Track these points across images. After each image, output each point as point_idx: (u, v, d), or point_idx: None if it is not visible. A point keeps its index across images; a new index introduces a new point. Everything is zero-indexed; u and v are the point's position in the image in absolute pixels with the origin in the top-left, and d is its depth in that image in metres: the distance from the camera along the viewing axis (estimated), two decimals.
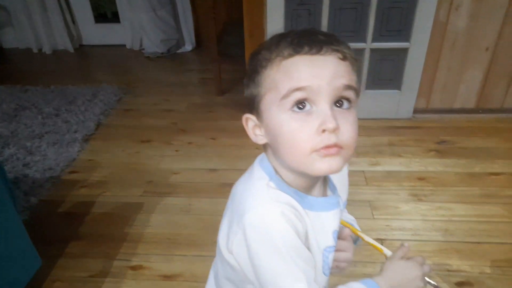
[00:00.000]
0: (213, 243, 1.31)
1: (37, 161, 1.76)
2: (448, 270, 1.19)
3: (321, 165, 0.45)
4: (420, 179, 1.59)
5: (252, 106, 0.51)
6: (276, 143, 0.48)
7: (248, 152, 1.79)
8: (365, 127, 1.98)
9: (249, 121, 0.52)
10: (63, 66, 3.12)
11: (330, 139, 0.44)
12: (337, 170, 0.46)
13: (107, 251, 1.32)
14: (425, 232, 1.33)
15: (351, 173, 1.68)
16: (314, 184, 0.53)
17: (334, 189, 0.58)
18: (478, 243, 1.28)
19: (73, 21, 3.38)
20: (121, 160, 1.83)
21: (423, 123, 2.00)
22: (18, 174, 1.68)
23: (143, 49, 3.27)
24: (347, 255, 0.59)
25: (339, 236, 0.58)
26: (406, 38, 1.88)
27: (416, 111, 2.04)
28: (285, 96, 0.45)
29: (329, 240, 0.53)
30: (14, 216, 1.11)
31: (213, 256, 1.26)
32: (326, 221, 0.53)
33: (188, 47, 3.31)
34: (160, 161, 1.81)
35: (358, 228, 0.66)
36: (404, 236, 1.32)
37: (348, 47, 0.48)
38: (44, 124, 2.09)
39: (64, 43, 3.32)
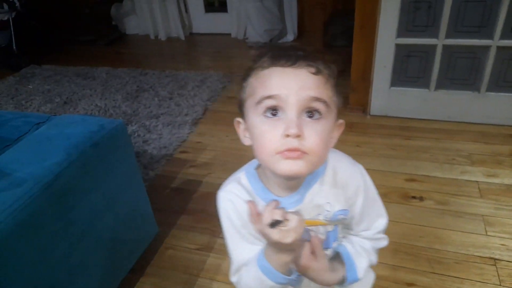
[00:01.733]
0: None
1: (154, 139, 1.98)
2: None
3: (282, 166, 0.49)
4: None
5: (240, 110, 0.57)
6: (253, 143, 0.54)
7: (348, 148, 1.76)
8: (482, 132, 1.80)
9: (240, 125, 0.59)
10: (175, 52, 3.40)
11: (292, 143, 0.48)
12: (298, 173, 0.50)
13: (212, 228, 1.43)
14: None
15: (463, 183, 1.56)
16: (290, 187, 0.58)
17: (305, 192, 0.59)
18: None
19: (186, 10, 3.65)
20: (225, 145, 1.95)
21: None
22: (139, 150, 1.90)
23: (247, 38, 3.40)
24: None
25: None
26: None
27: None
28: (259, 102, 0.51)
29: None
30: (141, 185, 1.27)
31: None
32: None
33: (290, 37, 3.34)
34: None
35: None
36: None
37: (326, 65, 0.52)
38: (160, 106, 2.32)
39: (177, 31, 3.61)
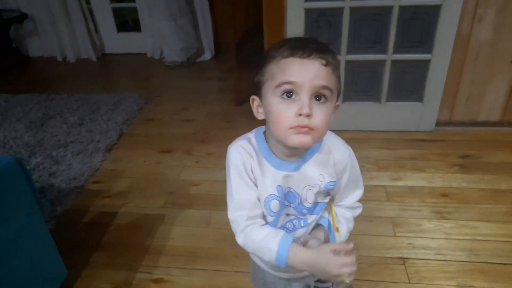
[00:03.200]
0: (233, 257, 1.33)
1: (62, 171, 1.81)
2: None
3: (294, 139, 0.61)
4: (444, 195, 1.56)
5: (257, 89, 0.67)
6: (268, 118, 0.65)
7: None
8: (386, 139, 1.96)
9: (255, 101, 0.69)
10: (86, 75, 3.20)
11: (303, 121, 0.59)
12: (305, 145, 0.62)
13: (130, 262, 1.34)
14: (449, 252, 1.30)
15: (372, 188, 1.67)
16: (290, 154, 0.69)
17: (302, 163, 0.70)
18: (505, 264, 1.25)
19: (96, 30, 3.47)
20: (143, 170, 1.86)
21: (446, 136, 1.97)
22: (45, 184, 1.72)
23: (163, 57, 3.33)
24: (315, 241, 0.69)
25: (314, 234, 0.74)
26: (428, 50, 1.85)
27: (438, 123, 2.01)
28: (278, 86, 0.61)
29: (272, 190, 0.69)
30: (43, 227, 1.15)
31: (233, 271, 1.28)
32: (275, 176, 0.69)
33: (208, 55, 3.36)
34: (180, 171, 1.84)
35: (340, 228, 0.77)
36: (427, 255, 1.30)
37: (333, 57, 0.62)
38: (69, 133, 2.15)
39: (87, 52, 3.42)
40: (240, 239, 0.69)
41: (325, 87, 0.60)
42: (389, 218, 1.46)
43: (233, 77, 2.48)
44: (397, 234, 1.39)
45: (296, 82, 0.59)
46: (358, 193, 0.77)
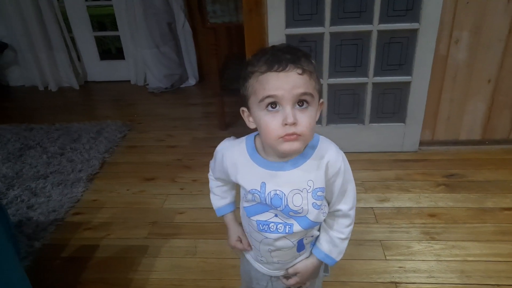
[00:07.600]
0: None
1: (41, 203, 1.74)
2: None
3: (284, 146, 0.65)
4: (431, 215, 1.56)
5: (244, 102, 0.71)
6: (258, 129, 0.70)
7: None
8: (371, 160, 1.97)
9: (244, 112, 0.72)
10: (68, 103, 3.16)
11: (290, 129, 0.63)
12: (296, 150, 0.67)
13: None
14: (440, 274, 1.28)
15: (360, 210, 1.65)
16: (282, 157, 0.71)
17: (291, 166, 0.72)
18: (498, 285, 1.23)
19: (79, 59, 3.45)
20: (126, 200, 1.81)
21: (430, 155, 1.99)
22: (22, 217, 1.65)
23: (147, 84, 3.32)
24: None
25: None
26: (408, 72, 1.89)
27: (421, 143, 2.03)
28: (261, 100, 0.64)
29: (256, 185, 0.73)
30: (17, 266, 1.08)
31: None
32: (258, 173, 0.73)
33: (192, 81, 3.36)
34: (165, 200, 1.79)
35: None
36: (419, 279, 1.27)
37: (308, 62, 0.65)
38: (49, 164, 2.09)
39: (70, 80, 3.38)
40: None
41: (305, 94, 0.64)
42: (378, 241, 1.44)
43: (217, 103, 2.48)
44: (387, 258, 1.36)
45: (277, 95, 0.63)
46: (353, 197, 0.80)
